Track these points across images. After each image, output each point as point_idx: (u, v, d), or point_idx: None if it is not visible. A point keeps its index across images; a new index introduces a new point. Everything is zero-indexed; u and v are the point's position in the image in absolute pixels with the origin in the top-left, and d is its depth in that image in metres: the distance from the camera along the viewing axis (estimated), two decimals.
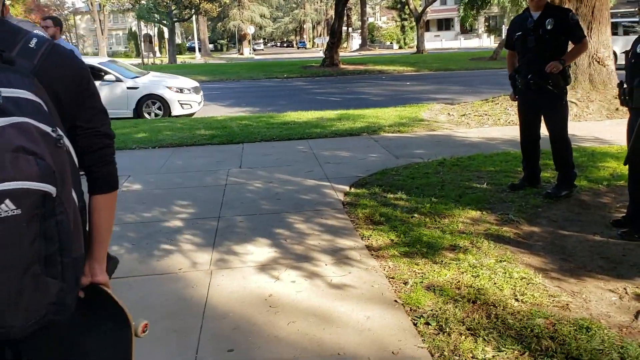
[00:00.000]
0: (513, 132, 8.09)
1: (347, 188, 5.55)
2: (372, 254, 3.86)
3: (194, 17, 44.33)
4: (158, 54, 53.02)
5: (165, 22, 38.73)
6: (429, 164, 6.34)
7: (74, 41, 63.19)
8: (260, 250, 4.00)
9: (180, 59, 44.63)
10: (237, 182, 5.94)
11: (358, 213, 4.72)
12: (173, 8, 38.89)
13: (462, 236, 4.09)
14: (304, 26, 78.67)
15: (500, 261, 3.64)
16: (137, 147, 8.05)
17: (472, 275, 3.43)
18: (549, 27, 4.65)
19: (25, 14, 45.24)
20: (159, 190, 5.72)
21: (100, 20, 52.91)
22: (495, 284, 3.32)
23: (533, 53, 4.77)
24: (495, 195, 5.04)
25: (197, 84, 12.80)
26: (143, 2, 37.81)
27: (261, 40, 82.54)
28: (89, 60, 12.27)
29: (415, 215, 4.58)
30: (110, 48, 61.20)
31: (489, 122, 9.05)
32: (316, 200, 5.18)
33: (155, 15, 38.30)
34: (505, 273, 3.45)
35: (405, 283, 3.38)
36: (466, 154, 6.70)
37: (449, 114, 10.11)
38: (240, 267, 3.73)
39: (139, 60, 31.36)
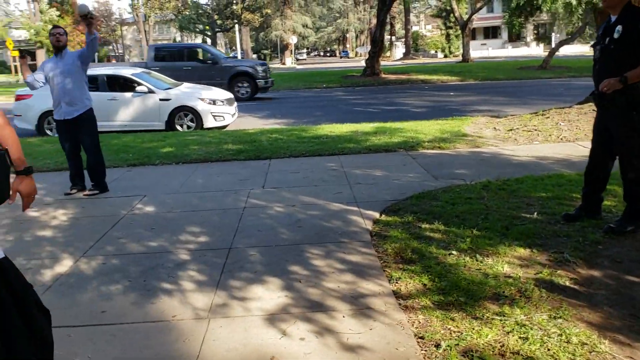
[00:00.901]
0: (566, 149, 7.31)
1: (377, 215, 4.95)
2: (399, 304, 3.25)
3: (236, 28, 44.51)
4: None
5: (207, 32, 39.01)
6: (472, 187, 5.67)
7: (120, 51, 64.81)
8: (269, 294, 3.44)
9: None
10: (257, 204, 5.42)
11: (387, 247, 4.12)
12: (216, 18, 39.10)
13: (508, 282, 3.43)
14: (347, 35, 78.24)
15: (555, 317, 2.98)
16: (160, 162, 7.66)
17: (520, 337, 2.79)
18: (616, 36, 3.93)
19: (73, 25, 46.45)
20: (172, 214, 5.26)
21: (145, 31, 53.90)
22: (548, 350, 2.67)
23: (599, 65, 4.07)
24: (548, 228, 4.34)
25: (231, 96, 12.44)
26: (186, 12, 38.16)
27: (304, 50, 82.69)
28: (122, 71, 12.08)
29: (454, 252, 3.94)
30: None
31: (539, 138, 8.27)
32: (341, 229, 4.60)
33: (197, 26, 38.64)
34: (561, 335, 2.79)
35: (438, 346, 2.76)
36: (513, 176, 5.98)
37: (494, 128, 9.36)
38: (243, 315, 3.19)
39: None
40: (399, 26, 64.86)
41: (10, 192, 2.18)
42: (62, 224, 5.10)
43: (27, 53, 6.21)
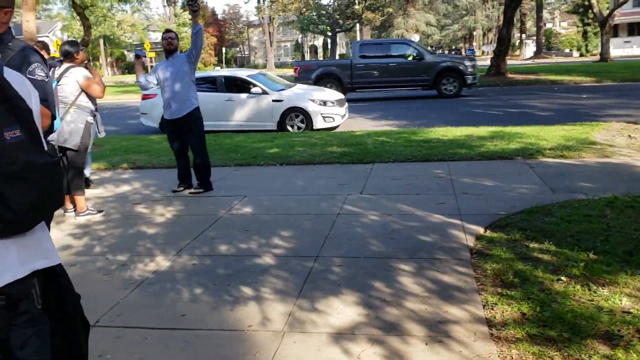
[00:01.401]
0: None
1: (480, 230, 4.55)
2: (491, 334, 2.89)
3: (357, 27, 44.65)
4: None
5: (327, 32, 39.51)
6: (594, 202, 5.04)
7: (246, 53, 67.79)
8: (348, 310, 3.24)
9: None
10: (352, 211, 5.23)
11: (487, 268, 3.74)
12: (337, 18, 39.48)
13: (625, 319, 2.93)
14: (474, 33, 75.48)
15: None
16: (265, 163, 7.74)
17: None
18: None
19: (204, 27, 49.41)
20: (267, 217, 5.23)
21: (269, 33, 55.87)
22: None
23: None
24: None
25: (342, 96, 12.36)
26: (307, 14, 38.93)
27: (428, 48, 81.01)
28: (238, 73, 12.48)
29: (563, 278, 3.47)
30: (279, 59, 64.36)
31: None
32: (438, 243, 4.27)
33: (318, 27, 39.26)
34: None
35: None
36: None
37: (629, 136, 8.37)
38: (317, 332, 3.01)
39: None
40: (530, 23, 61.27)
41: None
42: (164, 221, 5.27)
43: (143, 54, 6.51)
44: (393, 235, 4.51)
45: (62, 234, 5.03)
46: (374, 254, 4.12)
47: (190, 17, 5.96)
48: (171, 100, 6.15)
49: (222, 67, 50.78)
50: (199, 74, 13.52)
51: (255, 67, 61.06)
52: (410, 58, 18.62)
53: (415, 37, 45.69)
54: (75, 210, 5.48)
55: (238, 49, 68.91)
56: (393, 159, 7.51)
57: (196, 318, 3.26)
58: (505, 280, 3.52)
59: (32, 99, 1.94)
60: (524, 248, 4.03)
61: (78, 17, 22.07)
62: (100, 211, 5.56)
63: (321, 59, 60.53)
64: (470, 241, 4.30)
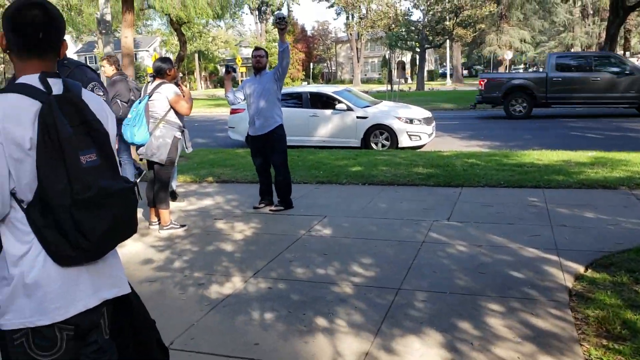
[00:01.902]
0: None
1: (581, 269, 4.12)
2: None
3: (447, 44, 43.80)
4: (410, 80, 53.82)
5: (416, 49, 39.00)
6: None
7: (333, 68, 68.33)
8: (430, 353, 2.97)
9: (429, 85, 44.49)
10: (438, 240, 4.93)
11: (589, 314, 3.34)
12: (427, 34, 38.90)
13: None
14: (572, 50, 71.95)
15: None
16: (347, 182, 7.58)
17: None
18: None
19: (293, 43, 50.33)
20: (347, 240, 5.04)
21: (357, 49, 56.05)
22: None
23: None
24: None
25: (429, 115, 12.01)
26: (396, 30, 38.64)
27: (520, 66, 78.19)
28: (323, 89, 12.47)
29: None
30: (365, 75, 64.41)
31: None
32: (532, 282, 3.90)
33: (407, 43, 38.82)
34: None
35: None
36: None
37: None
38: None
39: (388, 87, 31.96)
40: (635, 40, 57.56)
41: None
42: (243, 239, 5.22)
43: (232, 69, 6.58)
44: (482, 269, 4.18)
45: (145, 247, 5.10)
46: (461, 290, 3.81)
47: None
48: (255, 117, 6.15)
49: (309, 83, 51.55)
50: (285, 89, 13.69)
51: (342, 82, 61.54)
52: (615, 72, 16.82)
53: (509, 54, 44.16)
54: (159, 224, 5.56)
55: (325, 64, 69.80)
56: (483, 183, 7.10)
57: (269, 348, 3.11)
58: (611, 331, 3.12)
59: (109, 122, 1.88)
60: (633, 293, 3.58)
61: (175, 33, 23.15)
62: (183, 225, 5.62)
63: (408, 75, 59.96)
64: (569, 281, 3.89)
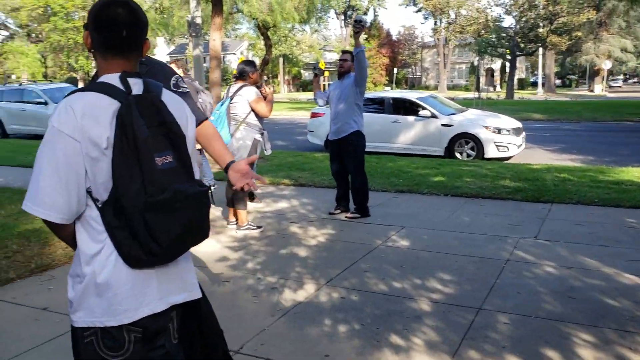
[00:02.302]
0: None
1: None
2: None
3: (540, 51, 41.92)
4: (498, 88, 52.04)
5: (506, 56, 37.62)
6: None
7: (418, 74, 67.19)
8: None
9: (518, 94, 42.78)
10: (524, 259, 4.62)
11: None
12: (519, 40, 37.40)
13: None
14: None
15: None
16: (428, 192, 7.33)
17: None
18: None
19: (377, 48, 50.02)
20: (425, 254, 4.84)
21: (444, 54, 54.87)
22: None
23: None
24: None
25: (519, 125, 11.47)
26: (486, 36, 37.44)
27: (620, 77, 73.63)
28: (407, 95, 12.23)
29: None
30: (452, 81, 62.92)
31: None
32: (630, 312, 3.54)
33: (496, 50, 37.51)
34: None
35: None
36: None
37: None
38: None
39: (475, 94, 31.02)
40: None
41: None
42: (317, 245, 5.14)
43: (320, 72, 6.57)
44: (572, 294, 3.85)
45: (220, 246, 5.15)
46: (547, 314, 3.52)
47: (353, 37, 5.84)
48: (333, 121, 6.10)
49: (392, 88, 51.12)
50: (367, 94, 13.56)
51: (426, 88, 60.52)
52: None
53: (607, 64, 41.69)
54: (236, 224, 5.61)
55: (410, 69, 68.97)
56: (575, 200, 6.63)
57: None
58: None
59: (189, 124, 1.85)
60: None
61: (262, 37, 23.68)
62: (259, 227, 5.63)
63: (497, 83, 58.03)
64: None
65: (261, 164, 9.60)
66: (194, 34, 12.04)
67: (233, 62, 64.64)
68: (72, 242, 1.73)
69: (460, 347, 3.13)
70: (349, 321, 3.49)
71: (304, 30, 47.01)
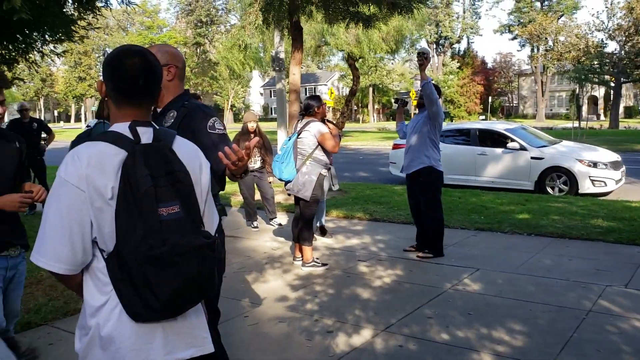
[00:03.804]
0: None
1: None
2: None
3: None
4: (602, 117, 48.91)
5: (610, 83, 35.30)
6: None
7: (515, 102, 64.75)
8: None
9: (624, 123, 39.91)
10: (609, 310, 4.15)
11: None
12: (624, 66, 35.03)
13: None
14: None
15: None
16: (510, 231, 6.87)
17: None
18: None
19: (470, 76, 48.76)
20: (497, 300, 4.49)
21: (542, 82, 52.57)
22: None
23: None
24: None
25: (618, 158, 10.60)
26: (587, 62, 35.41)
27: None
28: (495, 126, 11.74)
29: None
30: (551, 110, 59.99)
31: None
32: None
33: (599, 76, 35.33)
34: None
35: None
36: None
37: None
38: None
39: (575, 124, 29.29)
40: None
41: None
42: (381, 287, 4.93)
43: (402, 103, 6.43)
44: None
45: (283, 284, 5.07)
46: None
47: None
48: (405, 155, 5.92)
49: (486, 117, 49.60)
50: (452, 125, 13.17)
51: (524, 117, 58.19)
52: None
53: None
54: (302, 260, 5.53)
55: (506, 97, 66.74)
56: None
57: None
58: None
59: (202, 171, 1.80)
60: None
61: (350, 68, 23.92)
62: (324, 264, 5.52)
63: (601, 111, 54.71)
64: None
65: (338, 197, 9.53)
66: (277, 68, 12.36)
67: (324, 93, 65.94)
68: (80, 292, 1.71)
69: None
70: None
71: (394, 59, 47.03)
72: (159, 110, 2.52)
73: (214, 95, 56.59)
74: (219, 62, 38.05)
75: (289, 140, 5.41)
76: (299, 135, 5.37)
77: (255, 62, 28.98)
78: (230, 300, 4.56)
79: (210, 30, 55.90)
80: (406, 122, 6.33)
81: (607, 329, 3.82)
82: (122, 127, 1.67)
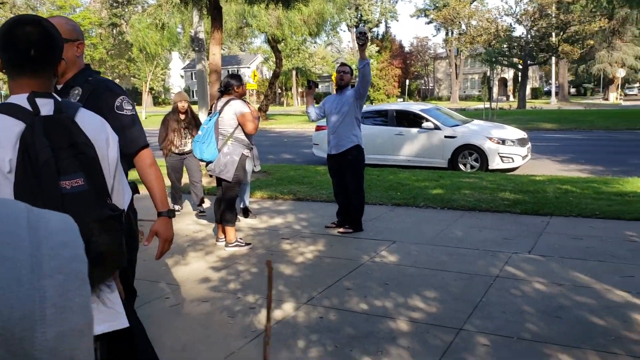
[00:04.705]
0: None
1: None
2: None
3: (553, 60, 41.51)
4: (512, 98, 51.59)
5: (518, 65, 37.29)
6: None
7: (431, 85, 66.93)
8: None
9: (531, 104, 42.37)
10: (514, 275, 4.48)
11: None
12: (530, 50, 37.07)
13: None
14: None
15: None
16: (425, 205, 7.20)
17: None
18: None
19: (389, 60, 49.96)
20: (412, 270, 4.72)
21: (456, 65, 54.63)
22: None
23: None
24: None
25: (524, 135, 11.28)
26: (497, 46, 37.19)
27: (636, 85, 72.74)
28: (411, 107, 12.14)
29: None
30: (464, 92, 62.60)
31: None
32: (616, 332, 3.38)
33: (508, 59, 37.23)
34: None
35: None
36: None
37: None
38: None
39: (486, 105, 30.73)
40: None
41: (145, 237, 2.14)
42: (303, 262, 5.04)
43: (314, 85, 6.47)
44: (559, 313, 3.70)
45: (205, 265, 5.07)
46: (531, 336, 3.38)
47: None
48: (331, 135, 6.02)
49: (404, 100, 50.94)
50: (371, 107, 13.48)
51: (439, 99, 60.27)
52: None
53: (621, 72, 41.16)
54: (225, 241, 5.53)
55: (422, 81, 68.81)
56: (576, 213, 6.46)
57: None
58: None
59: (110, 144, 1.78)
60: None
61: (272, 50, 23.80)
62: (248, 244, 5.55)
63: (510, 92, 57.62)
64: None
65: (262, 178, 9.55)
66: (196, 49, 12.09)
67: (247, 76, 65.05)
68: None
69: None
70: (324, 343, 3.38)
71: (316, 43, 47.19)
72: (59, 87, 2.40)
73: (132, 78, 54.40)
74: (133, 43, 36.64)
75: (210, 120, 5.36)
76: (219, 114, 5.33)
77: (173, 43, 28.15)
78: (150, 283, 4.51)
79: (126, 10, 53.56)
80: (316, 105, 6.38)
81: (512, 292, 4.13)
82: (19, 99, 1.62)
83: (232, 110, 5.29)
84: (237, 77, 5.53)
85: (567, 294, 4.04)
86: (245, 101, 5.53)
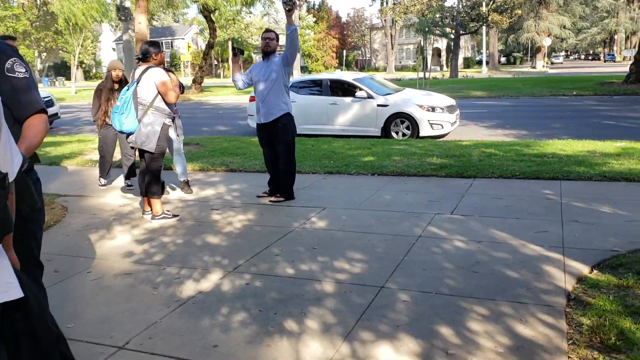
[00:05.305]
0: None
1: (585, 270, 3.77)
2: None
3: (483, 30, 42.58)
4: (445, 68, 52.66)
5: (450, 35, 38.04)
6: None
7: (367, 56, 67.32)
8: None
9: (463, 73, 43.43)
10: (435, 235, 4.63)
11: (584, 321, 3.01)
12: (462, 19, 37.85)
13: None
14: (615, 37, 69.27)
15: None
16: (356, 172, 7.30)
17: None
18: None
19: (326, 30, 49.81)
20: (340, 234, 4.79)
21: (391, 35, 55.11)
22: None
23: None
24: None
25: (452, 103, 11.57)
26: (430, 16, 37.74)
27: (561, 53, 75.81)
28: (344, 76, 12.17)
29: None
30: (400, 62, 63.40)
31: None
32: (528, 283, 3.58)
33: (440, 29, 37.88)
34: None
35: None
36: None
37: None
38: None
39: (420, 75, 31.26)
40: None
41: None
42: (233, 231, 5.03)
43: (240, 52, 6.31)
44: (476, 268, 3.87)
45: (131, 239, 4.96)
46: (449, 290, 3.52)
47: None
48: (260, 104, 5.94)
49: (342, 70, 51.08)
50: (306, 77, 13.43)
51: (376, 70, 60.71)
52: None
53: (547, 41, 42.70)
54: (152, 214, 5.42)
55: (360, 52, 69.05)
56: (497, 174, 6.73)
57: (227, 352, 2.90)
58: (605, 341, 2.79)
59: None
60: (637, 299, 3.22)
61: (206, 20, 23.15)
62: (175, 216, 5.47)
63: (443, 62, 58.74)
64: (570, 283, 3.55)
65: (194, 151, 9.38)
66: (123, 17, 11.60)
67: (181, 47, 63.13)
68: None
69: (354, 328, 3.08)
70: (248, 308, 3.40)
71: (251, 13, 46.28)
72: None
73: (60, 52, 51.59)
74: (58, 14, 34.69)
75: (127, 89, 5.17)
76: (138, 83, 5.15)
77: (103, 14, 26.87)
78: (72, 258, 4.38)
79: None
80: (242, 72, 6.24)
81: (432, 250, 4.27)
82: None
83: (151, 78, 5.12)
84: (155, 44, 5.35)
85: (485, 250, 4.22)
86: (166, 68, 5.37)
